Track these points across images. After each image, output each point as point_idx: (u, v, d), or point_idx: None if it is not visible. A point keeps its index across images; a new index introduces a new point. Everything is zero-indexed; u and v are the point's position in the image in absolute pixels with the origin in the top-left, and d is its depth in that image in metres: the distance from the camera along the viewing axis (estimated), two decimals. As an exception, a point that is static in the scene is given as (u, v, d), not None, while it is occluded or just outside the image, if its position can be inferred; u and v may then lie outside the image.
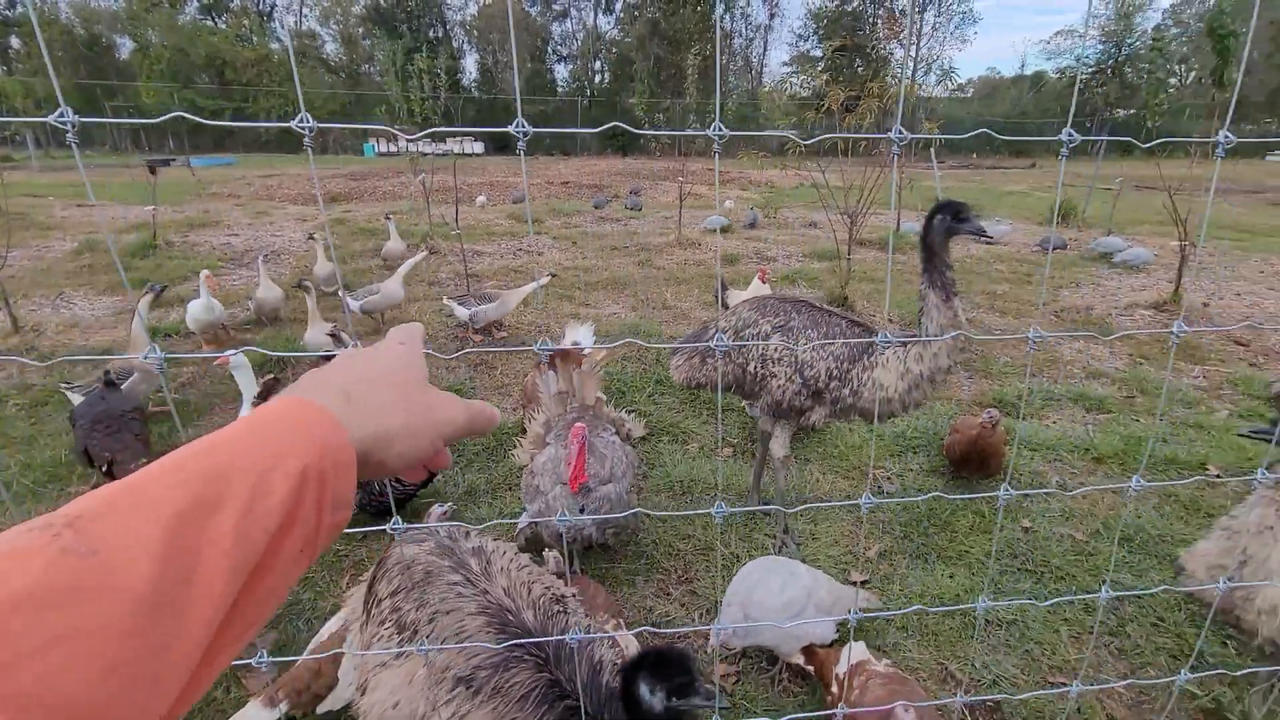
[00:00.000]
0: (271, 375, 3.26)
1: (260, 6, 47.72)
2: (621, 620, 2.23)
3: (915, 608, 1.32)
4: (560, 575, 2.16)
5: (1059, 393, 4.64)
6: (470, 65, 52.44)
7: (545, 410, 3.04)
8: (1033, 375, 4.97)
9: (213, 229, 10.47)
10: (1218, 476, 3.54)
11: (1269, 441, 1.46)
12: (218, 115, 36.40)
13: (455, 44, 50.77)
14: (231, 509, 0.38)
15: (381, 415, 0.50)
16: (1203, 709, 2.22)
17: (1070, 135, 0.95)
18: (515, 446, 3.10)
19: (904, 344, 2.39)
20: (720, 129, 0.86)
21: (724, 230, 11.03)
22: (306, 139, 0.75)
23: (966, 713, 2.23)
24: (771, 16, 52.39)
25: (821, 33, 47.65)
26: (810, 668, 2.18)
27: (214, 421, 4.11)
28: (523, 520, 2.80)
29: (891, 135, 0.99)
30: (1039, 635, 2.51)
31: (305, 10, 48.27)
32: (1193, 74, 44.62)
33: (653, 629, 2.43)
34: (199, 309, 4.98)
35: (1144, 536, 3.04)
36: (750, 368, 2.62)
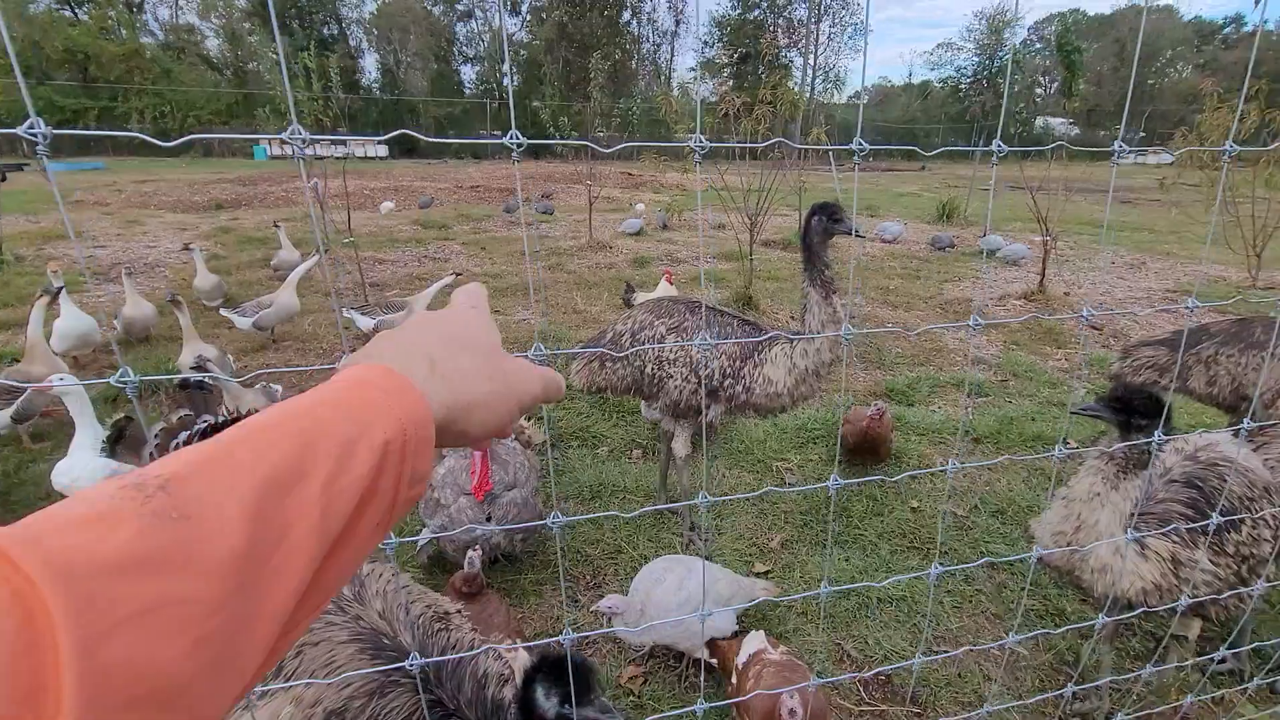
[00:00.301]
0: (124, 416, 2.84)
1: (127, -3, 43.68)
2: (517, 639, 2.19)
3: (815, 592, 1.38)
4: (472, 580, 2.11)
5: (943, 379, 4.99)
6: (370, 65, 50.32)
7: None
8: (920, 365, 5.32)
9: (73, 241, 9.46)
10: (1077, 448, 3.91)
11: (1098, 418, 1.62)
12: (81, 115, 33.05)
13: (353, 42, 48.53)
14: (318, 479, 0.37)
15: (465, 384, 0.48)
16: (1064, 660, 2.44)
17: (861, 144, 1.03)
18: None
19: (790, 340, 2.49)
20: (517, 136, 0.85)
21: (636, 233, 11.13)
22: (41, 146, 0.64)
23: (861, 688, 2.35)
24: (677, 23, 53.47)
25: (726, 40, 49.19)
26: (714, 660, 2.23)
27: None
28: (423, 537, 2.70)
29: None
30: (924, 608, 2.68)
31: (182, 3, 44.67)
32: (1055, 85, 49.37)
33: (560, 639, 2.40)
34: (71, 324, 4.50)
35: (1014, 508, 3.31)
36: (648, 370, 2.65)
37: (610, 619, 2.14)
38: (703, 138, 0.94)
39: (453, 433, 0.48)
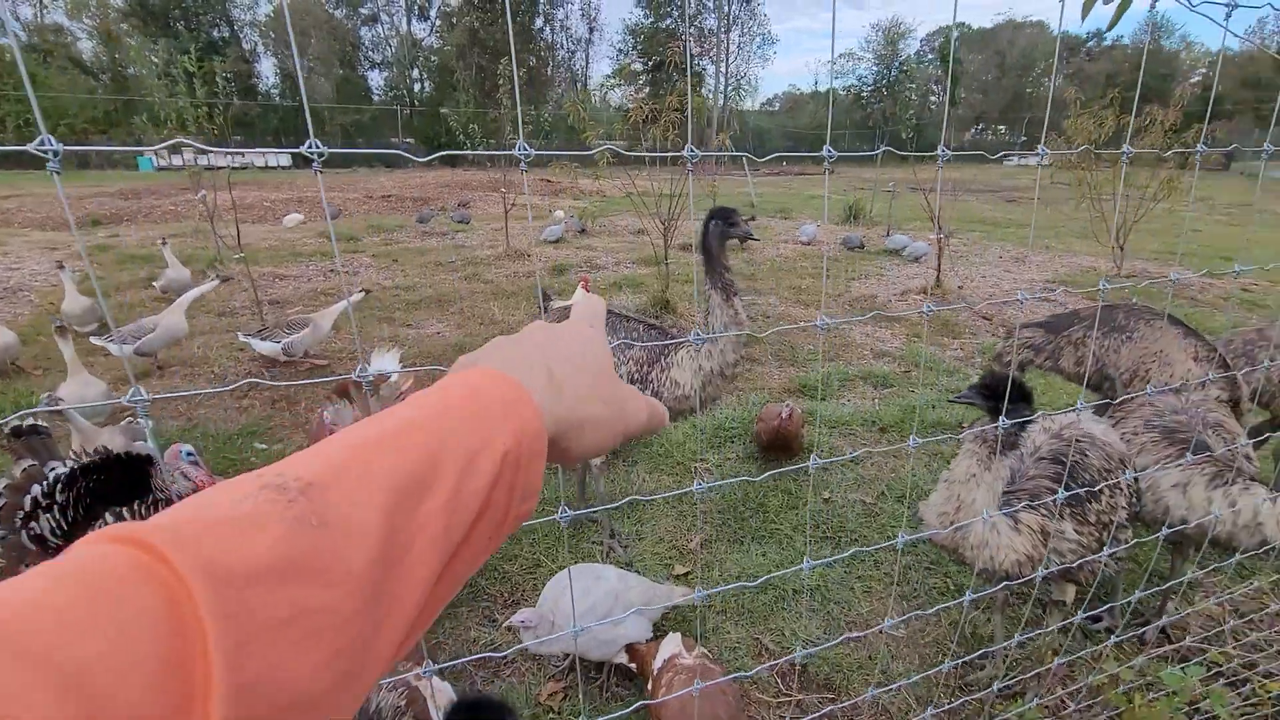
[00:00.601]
0: None
1: (-20, -7, 39.37)
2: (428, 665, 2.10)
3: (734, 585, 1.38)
4: None
5: (852, 373, 5.22)
6: (268, 70, 47.65)
7: None
8: (831, 360, 5.54)
9: (-84, 264, 8.41)
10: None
11: (972, 404, 1.73)
12: (-75, 123, 29.44)
13: (247, 46, 45.79)
14: (442, 491, 0.36)
15: (580, 403, 0.47)
16: (966, 633, 2.58)
17: (829, 152, 1.07)
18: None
19: (694, 344, 2.52)
20: (525, 147, 0.85)
21: (557, 241, 11.05)
22: (52, 163, 0.61)
23: (778, 679, 2.40)
24: (591, 31, 53.71)
25: (640, 48, 49.86)
26: (634, 666, 2.21)
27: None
28: None
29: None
30: (838, 596, 2.78)
31: (48, 2, 40.75)
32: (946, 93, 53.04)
33: (474, 659, 2.32)
34: None
35: (918, 492, 3.49)
36: (555, 379, 2.61)
37: (523, 633, 2.08)
38: (694, 148, 0.94)
39: (558, 449, 0.47)
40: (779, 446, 3.58)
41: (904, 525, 3.24)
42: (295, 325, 4.84)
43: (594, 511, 1.76)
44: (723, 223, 2.37)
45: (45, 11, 40.75)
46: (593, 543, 3.07)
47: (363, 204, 16.04)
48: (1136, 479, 2.03)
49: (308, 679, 0.29)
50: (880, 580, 2.88)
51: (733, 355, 2.48)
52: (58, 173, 0.62)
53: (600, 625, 1.99)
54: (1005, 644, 1.70)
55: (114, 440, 2.47)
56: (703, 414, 3.80)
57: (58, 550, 1.98)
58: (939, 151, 1.17)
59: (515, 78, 0.86)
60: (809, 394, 4.85)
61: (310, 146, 0.74)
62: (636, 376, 2.53)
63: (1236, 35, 1.62)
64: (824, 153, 1.09)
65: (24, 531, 1.93)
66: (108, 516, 2.07)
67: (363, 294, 5.41)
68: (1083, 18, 1.58)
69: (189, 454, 2.40)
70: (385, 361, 3.34)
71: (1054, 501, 1.58)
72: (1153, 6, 1.23)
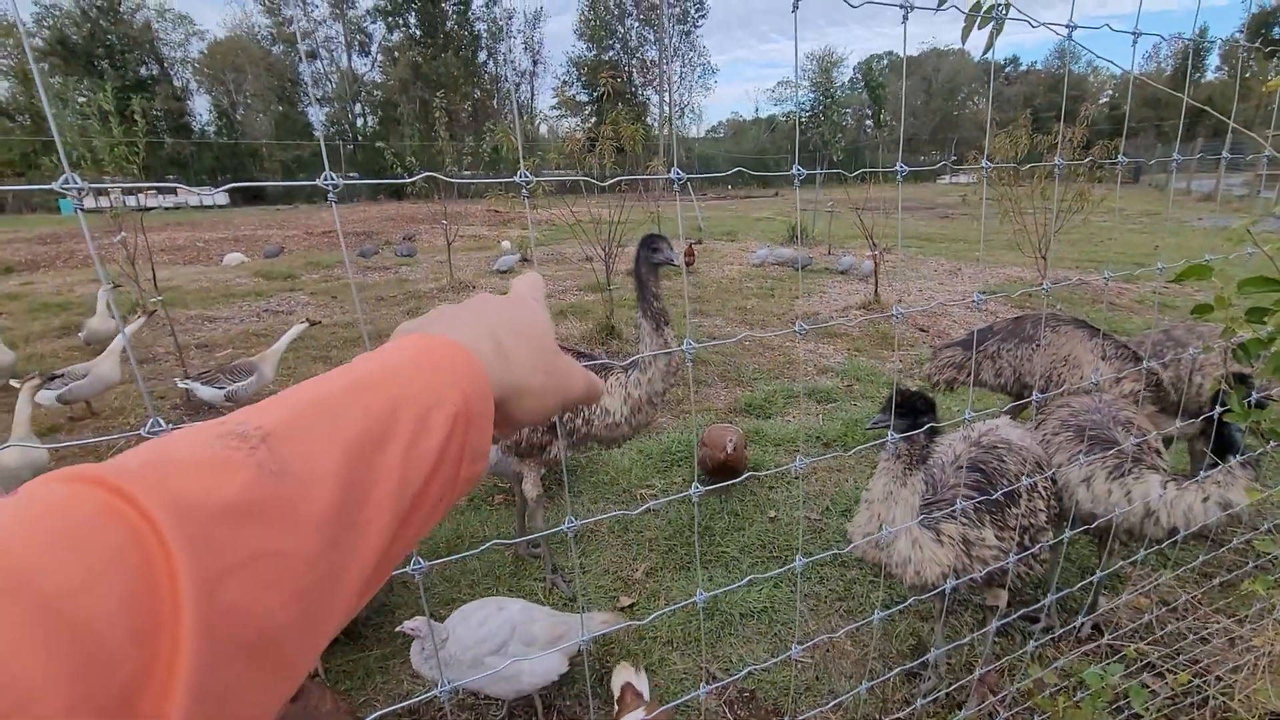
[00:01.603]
0: None
1: (-118, 33, 37.35)
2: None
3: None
4: None
5: (796, 390, 5.28)
6: (202, 107, 46.43)
7: None
8: (775, 378, 5.61)
9: None
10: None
11: (887, 427, 1.75)
12: None
13: (179, 84, 44.54)
14: (397, 446, 0.37)
15: (523, 370, 0.49)
16: (908, 644, 2.59)
17: (799, 170, 1.10)
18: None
19: (625, 371, 2.50)
20: (527, 175, 0.86)
21: (506, 271, 10.98)
22: None
23: (727, 709, 2.35)
24: (535, 63, 54.37)
25: (583, 80, 50.70)
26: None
27: None
28: None
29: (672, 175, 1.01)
30: (785, 616, 2.75)
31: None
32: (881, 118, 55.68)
33: (406, 705, 2.20)
34: None
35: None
36: (484, 412, 2.55)
37: (413, 646, 1.99)
38: (679, 170, 0.96)
39: (503, 414, 0.49)
40: (727, 472, 3.54)
41: (844, 539, 3.26)
42: (239, 371, 4.60)
43: (529, 538, 1.68)
44: (648, 250, 2.36)
45: (-44, 52, 38.86)
46: (534, 580, 2.97)
47: (303, 240, 15.63)
48: (1054, 480, 2.09)
49: (273, 615, 0.30)
50: (826, 597, 2.87)
51: (661, 385, 2.46)
52: (81, 209, 0.66)
53: (500, 658, 1.91)
54: (937, 653, 1.70)
55: None
56: (633, 440, 3.77)
57: None
58: (897, 167, 1.22)
59: (515, 102, 0.83)
60: (754, 413, 4.88)
61: (326, 178, 0.78)
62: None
63: (1118, 64, 1.72)
64: (793, 171, 1.16)
65: None
66: None
67: (306, 324, 5.15)
68: (962, 40, 1.65)
69: None
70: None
71: (972, 508, 1.61)
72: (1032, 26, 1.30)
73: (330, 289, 9.57)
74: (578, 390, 0.55)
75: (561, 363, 0.54)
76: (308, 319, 5.28)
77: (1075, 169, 8.03)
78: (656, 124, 49.32)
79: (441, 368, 0.42)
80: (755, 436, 4.40)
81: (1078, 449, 2.04)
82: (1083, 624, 2.38)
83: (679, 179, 0.92)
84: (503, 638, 2.00)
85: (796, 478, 3.84)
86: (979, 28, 1.60)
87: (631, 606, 2.81)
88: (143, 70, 42.49)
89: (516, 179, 0.81)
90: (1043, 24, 1.20)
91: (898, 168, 1.14)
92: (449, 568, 3.04)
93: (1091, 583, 2.11)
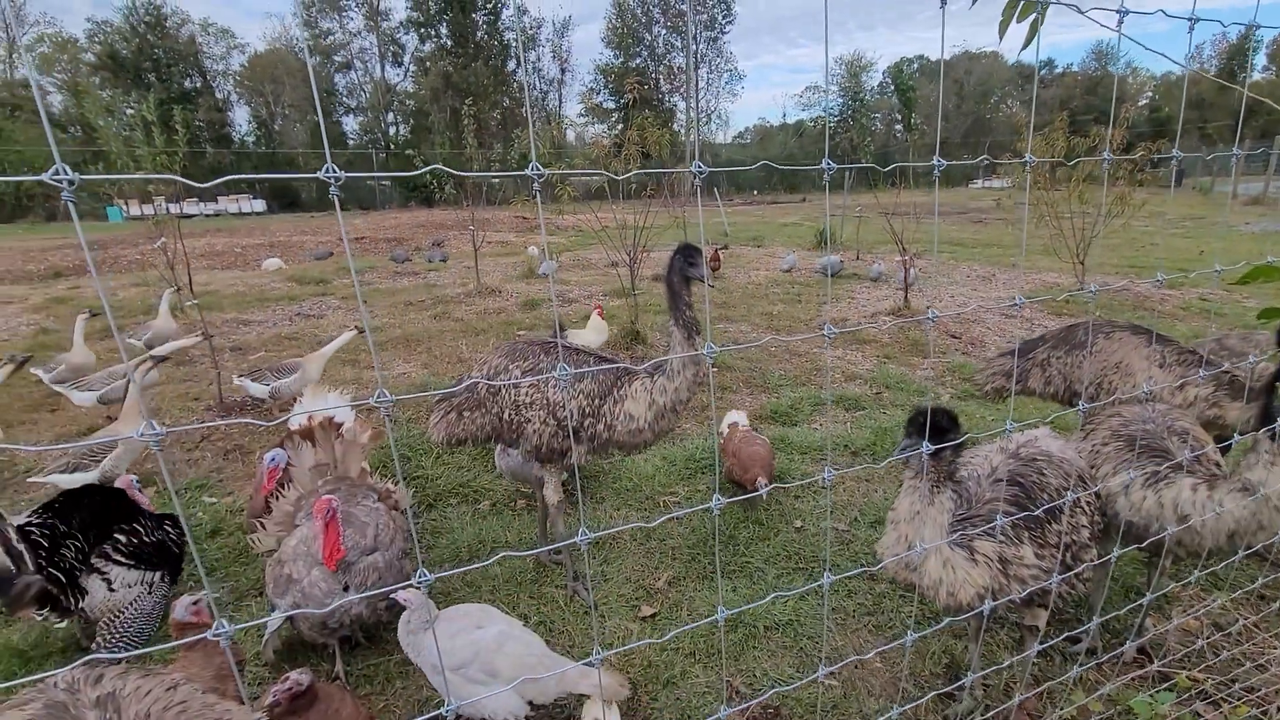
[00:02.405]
0: None
1: (-53, 51, 39.44)
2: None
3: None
4: (294, 698, 1.83)
5: (824, 397, 5.18)
6: (242, 118, 47.92)
7: (299, 485, 2.67)
8: (802, 385, 5.51)
9: None
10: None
11: (915, 452, 1.69)
12: (-114, 181, 28.99)
13: (220, 96, 46.03)
14: None
15: None
16: (941, 665, 2.49)
17: (828, 164, 1.08)
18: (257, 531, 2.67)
19: (650, 376, 2.46)
20: (538, 168, 0.86)
21: (527, 275, 11.04)
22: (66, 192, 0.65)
23: (750, 726, 2.27)
24: (563, 71, 54.88)
25: (610, 87, 51.02)
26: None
27: None
28: (273, 621, 2.40)
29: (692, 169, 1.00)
30: (811, 630, 2.67)
31: (17, 57, 40.81)
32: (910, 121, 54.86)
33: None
34: None
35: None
36: (505, 415, 2.53)
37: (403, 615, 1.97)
38: (700, 164, 0.95)
39: None
40: (752, 486, 3.41)
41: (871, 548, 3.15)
42: (284, 369, 4.77)
43: (549, 549, 1.64)
44: (684, 260, 2.32)
45: (13, 68, 40.78)
46: (556, 587, 2.94)
47: (335, 245, 15.95)
48: (1098, 494, 1.99)
49: None
50: (854, 611, 2.78)
51: (686, 394, 2.43)
52: (73, 202, 0.68)
53: (456, 677, 1.88)
54: (973, 676, 1.62)
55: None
56: (655, 446, 3.71)
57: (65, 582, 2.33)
58: (935, 161, 1.17)
59: (530, 115, 0.81)
60: (780, 420, 4.79)
61: (327, 171, 0.79)
62: (588, 410, 2.45)
63: (1177, 62, 1.63)
64: (823, 165, 1.14)
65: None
66: (118, 535, 2.48)
67: (354, 332, 5.26)
68: (1000, 37, 1.58)
69: (136, 481, 2.87)
70: (331, 400, 3.24)
71: (1009, 525, 1.52)
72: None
73: (361, 294, 9.73)
74: None
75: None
76: (356, 327, 5.40)
77: (1115, 171, 7.76)
78: (683, 130, 49.37)
79: None
80: (781, 444, 4.32)
81: (1127, 460, 1.93)
82: (1129, 647, 2.25)
83: (700, 172, 0.87)
84: (463, 659, 1.96)
85: (824, 487, 3.74)
86: (1018, 20, 1.52)
87: (654, 616, 2.76)
88: (187, 83, 44.01)
89: (528, 172, 0.78)
90: (1091, 9, 1.12)
91: (935, 162, 1.08)
92: (471, 573, 3.03)
93: (1141, 605, 1.99)
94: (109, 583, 2.40)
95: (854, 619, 2.72)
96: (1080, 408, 1.37)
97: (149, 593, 2.50)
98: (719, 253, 10.69)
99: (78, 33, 43.25)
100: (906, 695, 2.33)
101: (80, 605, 2.35)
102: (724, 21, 53.63)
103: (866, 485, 3.80)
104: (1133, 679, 2.23)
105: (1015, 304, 1.41)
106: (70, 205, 0.66)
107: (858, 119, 53.11)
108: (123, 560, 2.45)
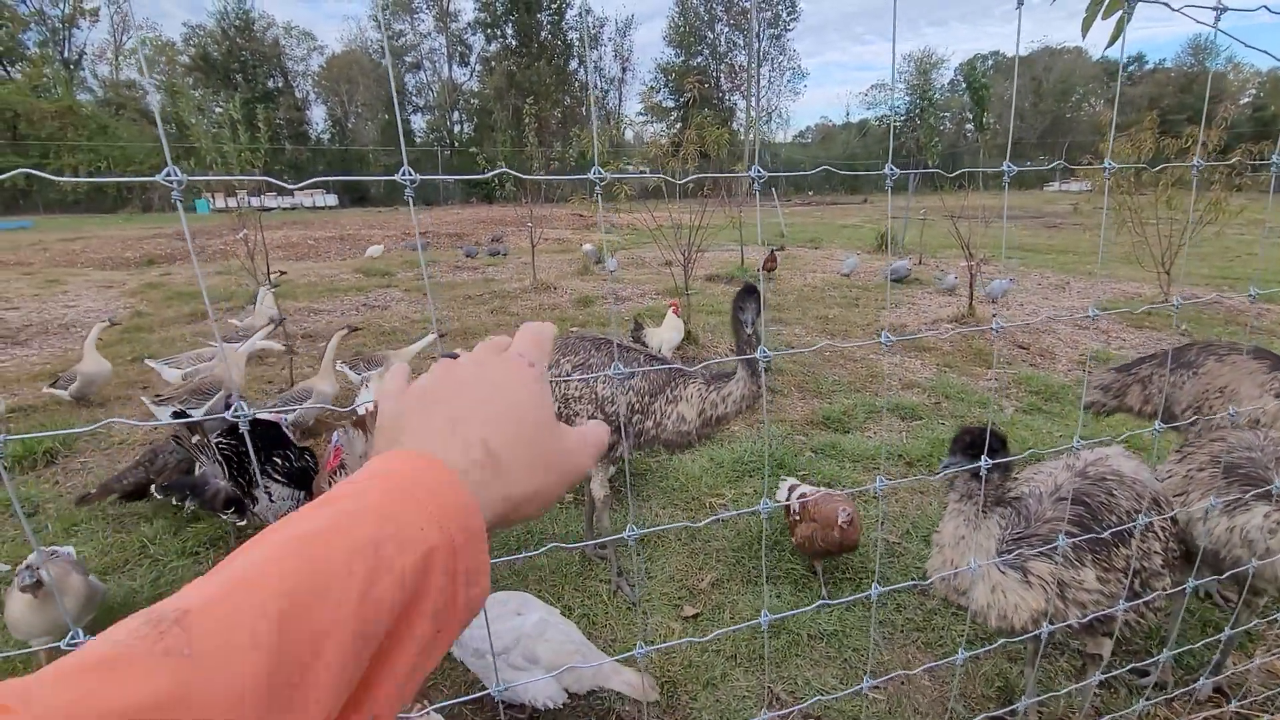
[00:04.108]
0: None
1: (65, 55, 42.96)
2: (426, 702, 2.04)
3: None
4: None
5: (879, 405, 5.04)
6: (318, 116, 50.33)
7: (350, 472, 2.80)
8: (856, 391, 5.38)
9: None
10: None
11: (962, 470, 1.63)
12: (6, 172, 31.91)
13: (299, 95, 48.47)
14: (348, 594, 0.34)
15: (520, 476, 0.44)
16: (994, 688, 2.39)
17: (891, 170, 1.08)
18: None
19: (706, 383, 2.49)
20: (600, 172, 0.87)
21: (582, 272, 11.19)
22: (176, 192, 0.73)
23: (789, 734, 2.25)
24: (624, 70, 55.24)
25: (670, 85, 50.98)
26: None
27: None
28: None
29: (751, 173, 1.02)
30: (856, 643, 2.61)
31: (122, 59, 44.13)
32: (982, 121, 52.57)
33: (468, 700, 2.25)
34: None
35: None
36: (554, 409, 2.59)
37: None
38: (759, 168, 0.96)
39: (502, 522, 0.45)
40: (834, 552, 2.87)
41: (923, 562, 3.06)
42: (375, 361, 5.09)
43: (593, 544, 1.67)
44: (742, 301, 2.33)
45: (119, 69, 44.07)
46: (600, 581, 2.98)
47: (400, 240, 16.57)
48: (1174, 520, 1.87)
49: None
50: (903, 626, 2.70)
51: (734, 413, 2.45)
52: (180, 201, 0.73)
53: (499, 661, 1.92)
54: (1027, 702, 1.55)
55: None
56: (703, 447, 3.70)
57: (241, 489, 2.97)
58: (1004, 166, 1.15)
59: (594, 115, 0.84)
60: (832, 426, 4.70)
61: (403, 173, 0.80)
62: (638, 407, 2.48)
63: (1274, 55, 1.53)
64: (885, 170, 1.11)
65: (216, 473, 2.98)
66: (275, 459, 3.07)
67: (436, 336, 5.54)
68: (1083, 34, 1.51)
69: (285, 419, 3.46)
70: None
71: (1070, 547, 1.45)
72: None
73: (423, 287, 10.08)
74: (584, 468, 0.50)
75: (562, 444, 0.48)
76: (440, 331, 5.67)
77: (1210, 175, 7.24)
78: (742, 129, 48.88)
79: (411, 495, 0.39)
80: (831, 451, 4.24)
81: (1220, 489, 1.81)
82: (1204, 685, 2.11)
83: (759, 176, 0.87)
84: (505, 644, 2.00)
85: (875, 497, 3.65)
86: (1103, 17, 1.45)
87: (696, 617, 2.76)
88: (270, 83, 46.57)
89: (590, 175, 0.80)
90: (1185, 6, 1.06)
91: (1005, 167, 1.04)
92: (518, 562, 3.10)
93: (1219, 640, 1.86)
94: (269, 495, 2.97)
95: (902, 634, 2.65)
96: (1155, 428, 1.29)
97: (295, 507, 2.79)
98: (774, 254, 10.55)
99: (175, 36, 46.39)
100: (955, 716, 2.26)
101: (254, 510, 2.94)
102: (788, 19, 52.81)
103: (920, 498, 3.68)
104: (1206, 718, 2.09)
105: (1090, 316, 1.34)
106: (178, 204, 0.71)
107: (925, 118, 51.25)
108: (279, 478, 3.03)
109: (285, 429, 3.35)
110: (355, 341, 6.30)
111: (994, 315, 7.75)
